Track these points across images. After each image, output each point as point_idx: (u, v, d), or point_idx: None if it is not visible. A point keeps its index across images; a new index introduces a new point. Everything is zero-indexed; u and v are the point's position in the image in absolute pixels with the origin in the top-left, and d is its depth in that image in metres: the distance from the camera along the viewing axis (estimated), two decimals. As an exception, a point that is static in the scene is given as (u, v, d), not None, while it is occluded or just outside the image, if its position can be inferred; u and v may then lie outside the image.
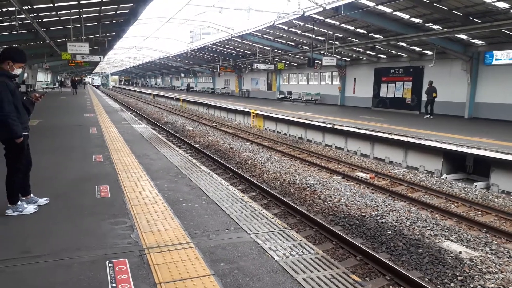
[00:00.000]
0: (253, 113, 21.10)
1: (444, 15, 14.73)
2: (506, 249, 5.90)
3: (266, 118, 19.99)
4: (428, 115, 17.77)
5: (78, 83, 52.65)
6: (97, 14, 18.18)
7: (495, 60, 16.99)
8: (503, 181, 9.37)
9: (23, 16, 14.34)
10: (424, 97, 19.55)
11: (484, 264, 5.32)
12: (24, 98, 4.34)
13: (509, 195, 9.02)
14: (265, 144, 14.95)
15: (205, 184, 5.67)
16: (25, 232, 3.76)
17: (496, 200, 8.60)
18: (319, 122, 15.29)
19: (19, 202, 4.23)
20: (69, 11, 16.73)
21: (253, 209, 4.65)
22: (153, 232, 3.81)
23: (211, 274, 3.02)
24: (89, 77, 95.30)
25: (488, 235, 6.47)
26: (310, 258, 3.39)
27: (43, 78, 51.16)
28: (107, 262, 3.14)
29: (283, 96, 35.35)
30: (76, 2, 14.95)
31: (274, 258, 3.34)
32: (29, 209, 4.25)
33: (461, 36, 16.85)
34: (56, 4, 15.12)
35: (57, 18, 18.06)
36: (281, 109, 22.03)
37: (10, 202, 4.17)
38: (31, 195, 4.47)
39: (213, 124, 21.19)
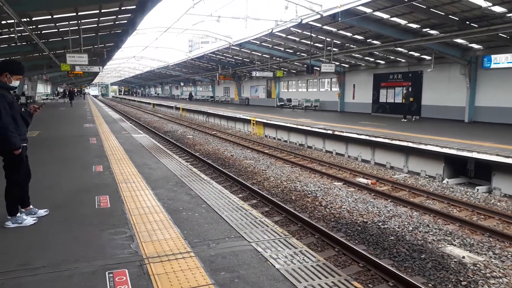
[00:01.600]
0: (253, 120, 21.12)
1: (441, 20, 14.82)
2: (509, 253, 5.86)
3: (266, 125, 19.99)
4: (405, 119, 18.68)
5: (78, 94, 52.55)
6: (96, 25, 18.26)
7: (494, 64, 17.04)
8: (505, 184, 9.33)
9: (22, 28, 14.42)
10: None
11: (488, 268, 5.28)
12: (23, 109, 4.35)
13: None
14: (266, 151, 14.94)
15: (205, 192, 5.65)
16: (25, 243, 3.74)
17: (498, 204, 8.57)
18: (319, 128, 15.29)
19: (19, 214, 4.23)
20: (67, 23, 16.81)
21: (254, 217, 4.62)
22: (153, 241, 3.78)
23: (212, 283, 3.00)
24: (89, 88, 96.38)
25: (491, 239, 6.43)
26: (312, 266, 3.36)
27: (43, 89, 51.32)
28: (107, 273, 3.12)
29: (282, 103, 35.42)
30: (75, 14, 15.03)
31: (275, 266, 3.31)
32: (29, 220, 4.23)
33: (459, 40, 16.92)
34: (54, 16, 15.21)
35: (56, 30, 18.16)
36: (281, 116, 22.05)
37: (9, 213, 4.16)
38: (31, 206, 4.45)
39: (213, 132, 21.20)
